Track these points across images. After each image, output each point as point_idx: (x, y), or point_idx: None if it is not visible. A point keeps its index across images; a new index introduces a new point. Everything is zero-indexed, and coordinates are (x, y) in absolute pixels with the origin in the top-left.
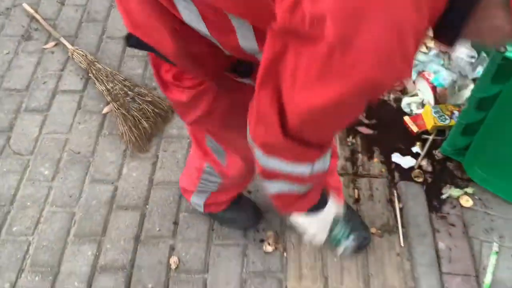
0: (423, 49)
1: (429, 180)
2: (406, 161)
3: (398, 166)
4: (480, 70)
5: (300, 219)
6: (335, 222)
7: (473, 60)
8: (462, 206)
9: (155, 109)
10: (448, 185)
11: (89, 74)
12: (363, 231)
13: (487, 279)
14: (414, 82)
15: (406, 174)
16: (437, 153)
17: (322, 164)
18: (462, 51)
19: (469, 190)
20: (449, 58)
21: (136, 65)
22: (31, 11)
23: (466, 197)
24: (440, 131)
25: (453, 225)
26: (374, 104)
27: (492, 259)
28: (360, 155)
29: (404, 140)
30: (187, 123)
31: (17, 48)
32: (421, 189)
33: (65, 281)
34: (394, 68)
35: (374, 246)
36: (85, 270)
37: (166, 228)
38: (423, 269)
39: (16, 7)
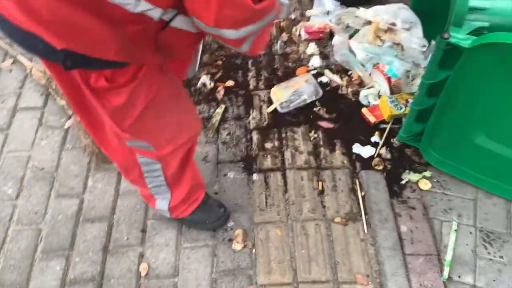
0: (377, 42)
1: (389, 167)
2: (366, 151)
3: (359, 156)
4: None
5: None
6: None
7: (424, 49)
8: (421, 190)
9: None
10: (407, 171)
11: (49, 90)
12: None
13: (448, 256)
14: (370, 75)
15: (367, 163)
16: (395, 141)
17: None
18: (414, 41)
19: (427, 173)
20: (402, 48)
21: None
22: None
23: (424, 181)
24: (397, 120)
25: (413, 208)
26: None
27: (452, 237)
28: (322, 149)
29: (364, 131)
30: (122, 129)
31: None
32: (382, 176)
33: None
34: None
35: (339, 234)
36: (54, 285)
37: (134, 236)
38: (387, 252)
39: None
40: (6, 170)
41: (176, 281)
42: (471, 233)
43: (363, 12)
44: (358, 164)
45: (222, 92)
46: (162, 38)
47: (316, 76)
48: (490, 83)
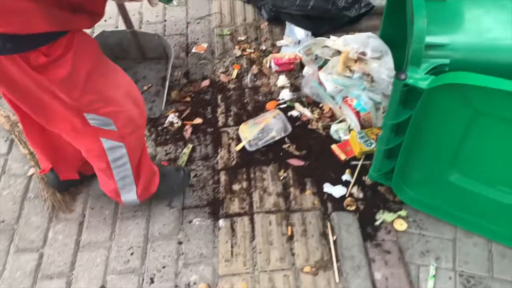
0: (347, 73)
1: (362, 207)
2: (337, 191)
3: (330, 196)
4: None
5: None
6: None
7: None
8: (396, 231)
9: None
10: (381, 210)
11: (13, 136)
12: None
13: None
14: (340, 108)
15: (338, 203)
16: (367, 179)
17: None
18: (384, 72)
19: (403, 213)
20: (372, 80)
21: None
22: None
23: (400, 221)
24: (369, 155)
25: (388, 252)
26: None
27: (430, 283)
28: (292, 189)
29: (335, 168)
30: (77, 100)
31: None
32: (354, 218)
33: None
34: None
35: (309, 285)
36: None
37: None
38: None
39: None
40: None
41: None
42: (450, 278)
43: (332, 42)
44: (329, 205)
45: (189, 131)
46: None
47: (286, 110)
48: (456, 121)
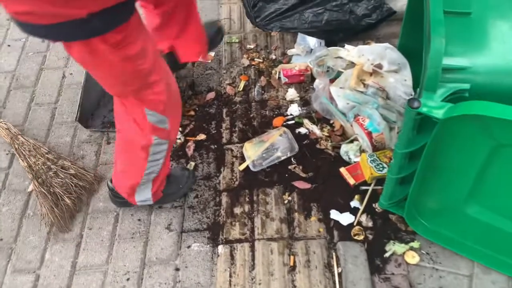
0: (360, 87)
1: (370, 237)
2: (345, 218)
3: (337, 223)
4: None
5: None
6: None
7: None
8: (407, 264)
9: (79, 182)
10: (391, 241)
11: (12, 149)
12: None
13: None
14: (351, 126)
15: (346, 231)
16: (377, 206)
17: None
18: (400, 88)
19: (415, 244)
20: (387, 96)
21: (64, 132)
22: None
23: (411, 253)
24: (380, 179)
25: (398, 287)
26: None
27: None
28: (296, 214)
29: (343, 193)
30: (148, 78)
31: None
32: (362, 249)
33: None
34: None
35: None
36: None
37: None
38: None
39: None
40: None
41: None
42: None
43: (345, 53)
44: (336, 233)
45: (192, 148)
46: None
47: (294, 126)
48: (475, 152)
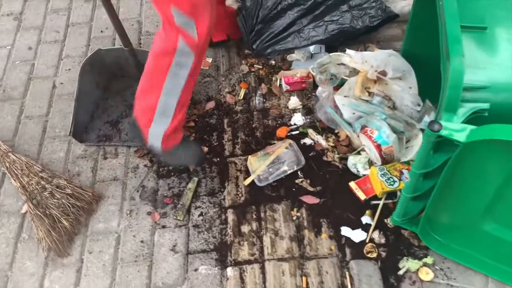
0: (365, 95)
1: (383, 254)
2: (357, 235)
3: (348, 240)
4: (427, 119)
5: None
6: None
7: (418, 108)
8: (422, 281)
9: (77, 203)
10: (405, 257)
11: (3, 168)
12: None
13: None
14: (358, 136)
15: (358, 249)
16: (389, 221)
17: None
18: (407, 98)
19: (428, 260)
20: (394, 106)
21: (58, 147)
22: None
23: (425, 269)
24: (392, 193)
25: None
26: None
27: None
28: (306, 232)
29: (353, 208)
30: None
31: None
32: (376, 267)
33: None
34: None
35: None
36: None
37: None
38: None
39: None
40: None
41: None
42: None
43: (348, 59)
44: (348, 251)
45: None
46: None
47: (299, 137)
48: (495, 173)
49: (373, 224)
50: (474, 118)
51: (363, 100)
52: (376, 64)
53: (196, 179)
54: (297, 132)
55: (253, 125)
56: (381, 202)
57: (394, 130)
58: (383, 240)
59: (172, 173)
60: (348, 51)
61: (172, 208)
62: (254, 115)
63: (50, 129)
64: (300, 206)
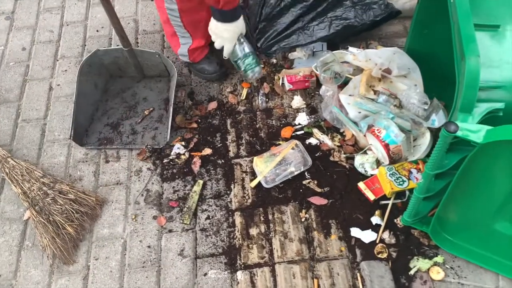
0: (371, 94)
1: (394, 254)
2: (367, 236)
3: (358, 241)
4: (434, 118)
5: (214, 25)
6: (247, 55)
7: (425, 107)
8: (433, 280)
9: (80, 208)
10: (415, 257)
11: (2, 174)
12: None
13: None
14: (365, 135)
15: (368, 250)
16: (399, 221)
17: None
18: (413, 96)
19: (439, 259)
20: (400, 104)
21: (58, 151)
22: None
23: (436, 268)
24: (400, 193)
25: None
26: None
27: None
28: (315, 233)
29: (362, 208)
30: None
31: None
32: (387, 268)
33: None
34: None
35: None
36: None
37: None
38: None
39: None
40: None
41: None
42: None
43: (351, 57)
44: (358, 252)
45: (198, 164)
46: None
47: (304, 137)
48: (509, 173)
49: (383, 224)
50: (488, 118)
51: (369, 98)
52: (380, 62)
53: (201, 181)
54: (302, 132)
55: (257, 126)
56: (390, 202)
57: (401, 129)
58: (393, 240)
59: (177, 176)
60: (350, 48)
61: (178, 211)
62: (257, 115)
63: (49, 132)
64: (308, 207)
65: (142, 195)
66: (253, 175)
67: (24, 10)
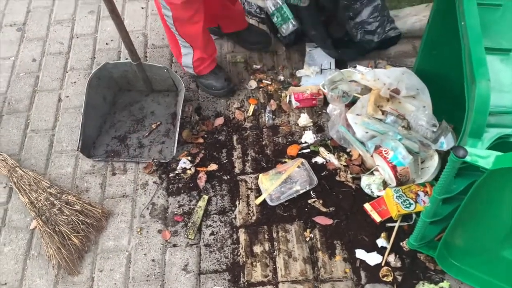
0: (379, 114)
1: (399, 278)
2: (372, 258)
3: (363, 263)
4: (443, 140)
5: None
6: (272, 13)
7: (434, 129)
8: None
9: (86, 220)
10: (421, 282)
11: (10, 183)
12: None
13: None
14: (372, 156)
15: (373, 272)
16: (405, 244)
17: None
18: (421, 118)
19: (445, 284)
20: (408, 125)
21: (65, 162)
22: None
23: None
24: (407, 215)
25: None
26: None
27: None
28: (320, 254)
29: (367, 230)
30: None
31: None
32: None
33: None
34: None
35: None
36: None
37: None
38: None
39: None
40: None
41: None
42: None
43: (359, 76)
44: (363, 274)
45: (204, 179)
46: None
47: (310, 155)
48: None
49: (388, 247)
50: (498, 143)
51: (376, 119)
52: (388, 81)
53: (206, 197)
54: (308, 150)
55: (263, 142)
56: (396, 225)
57: (409, 150)
58: (399, 264)
59: (182, 191)
60: (358, 67)
61: (182, 226)
62: (263, 132)
63: (57, 143)
64: (313, 227)
65: (148, 208)
66: (258, 192)
67: (35, 22)
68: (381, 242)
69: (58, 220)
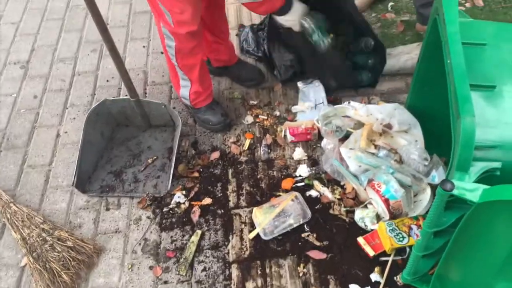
0: (371, 148)
1: None
2: None
3: None
4: (434, 174)
5: (279, 18)
6: (311, 34)
7: (425, 163)
8: None
9: (77, 256)
10: None
11: (3, 219)
12: None
13: None
14: (365, 189)
15: None
16: (399, 279)
17: None
18: (413, 152)
19: None
20: (400, 159)
21: (60, 198)
22: None
23: None
24: (401, 249)
25: None
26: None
27: None
28: None
29: (361, 264)
30: None
31: None
32: None
33: None
34: None
35: None
36: None
37: None
38: None
39: None
40: None
41: None
42: None
43: (353, 112)
44: None
45: (198, 213)
46: None
47: (305, 189)
48: (507, 234)
49: (382, 281)
50: (486, 177)
51: (369, 153)
52: (381, 117)
53: (199, 231)
54: (302, 183)
55: (258, 176)
56: (390, 259)
57: (401, 184)
58: None
59: (175, 225)
60: (352, 103)
61: (174, 262)
62: (259, 166)
63: (53, 178)
64: (306, 261)
65: (140, 244)
66: (252, 226)
67: (39, 60)
68: (374, 276)
69: (49, 256)
